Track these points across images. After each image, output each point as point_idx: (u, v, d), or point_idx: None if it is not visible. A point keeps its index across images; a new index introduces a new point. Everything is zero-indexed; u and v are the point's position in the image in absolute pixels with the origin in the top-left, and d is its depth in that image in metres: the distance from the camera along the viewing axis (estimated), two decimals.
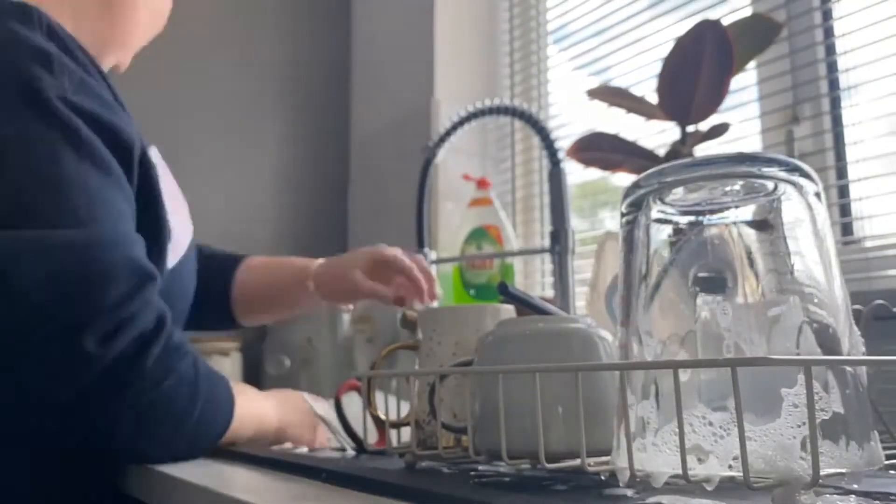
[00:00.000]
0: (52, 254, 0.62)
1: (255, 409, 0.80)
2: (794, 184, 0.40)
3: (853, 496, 0.38)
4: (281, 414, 0.84)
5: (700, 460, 0.36)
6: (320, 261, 1.05)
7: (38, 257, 0.61)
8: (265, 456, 0.68)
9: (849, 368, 0.37)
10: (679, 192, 0.41)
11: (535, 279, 1.53)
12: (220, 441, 0.74)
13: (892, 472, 0.43)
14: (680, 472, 0.35)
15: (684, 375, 0.37)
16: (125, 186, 0.72)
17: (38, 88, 0.67)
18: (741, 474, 0.33)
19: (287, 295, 1.06)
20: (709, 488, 0.36)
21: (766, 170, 0.40)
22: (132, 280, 0.65)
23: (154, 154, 0.81)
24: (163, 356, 0.65)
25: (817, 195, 0.41)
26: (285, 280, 1.06)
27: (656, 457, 0.37)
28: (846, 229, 1.03)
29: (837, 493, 0.39)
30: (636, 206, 0.43)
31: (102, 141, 0.69)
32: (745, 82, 1.13)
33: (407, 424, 0.61)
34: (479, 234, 1.36)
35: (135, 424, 0.65)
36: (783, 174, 0.40)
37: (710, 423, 0.36)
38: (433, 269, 1.22)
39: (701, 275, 0.40)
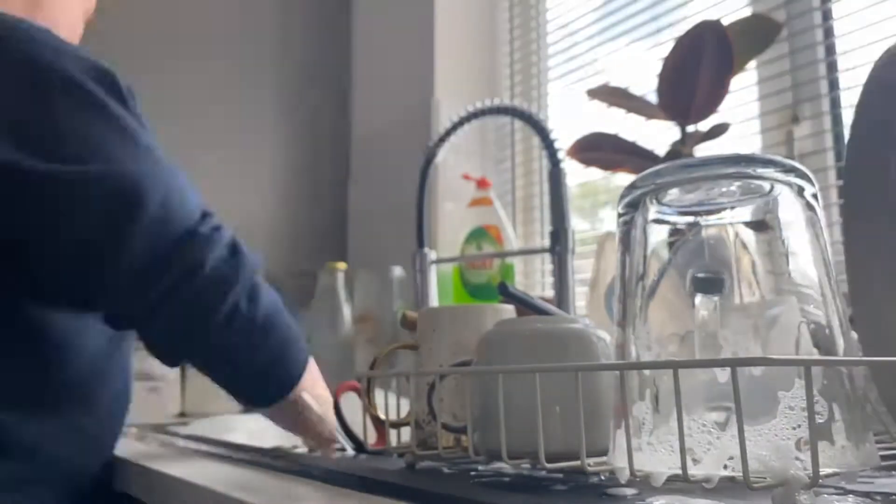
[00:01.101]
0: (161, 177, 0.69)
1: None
2: (790, 185, 0.40)
3: (852, 496, 0.38)
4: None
5: (695, 461, 0.36)
6: None
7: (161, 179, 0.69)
8: (265, 456, 0.68)
9: (843, 369, 0.37)
10: (676, 192, 0.41)
11: (535, 279, 1.53)
12: (298, 376, 0.74)
13: (893, 472, 0.43)
14: (679, 472, 0.35)
15: (683, 376, 0.37)
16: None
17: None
18: (741, 474, 0.33)
19: None
20: (708, 487, 0.36)
21: (763, 171, 0.40)
22: (202, 206, 0.73)
23: None
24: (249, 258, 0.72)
25: (814, 196, 0.41)
26: None
27: (652, 456, 0.37)
28: None
29: (836, 494, 0.39)
30: (633, 206, 0.43)
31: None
32: (745, 82, 1.13)
33: (407, 424, 0.61)
34: (479, 234, 1.36)
35: (246, 302, 0.70)
36: (780, 175, 0.40)
37: (705, 425, 0.36)
38: (433, 269, 1.22)
39: (698, 275, 0.40)
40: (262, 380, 0.73)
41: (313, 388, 0.78)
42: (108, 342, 0.79)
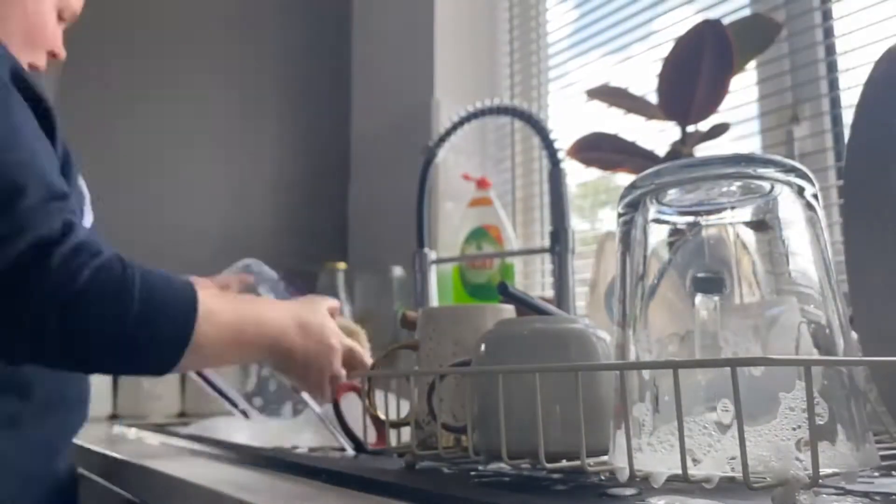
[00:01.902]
0: None
1: (249, 312, 0.72)
2: (790, 184, 0.40)
3: (851, 496, 0.38)
4: (295, 325, 0.75)
5: (695, 461, 0.36)
6: None
7: None
8: (265, 456, 0.68)
9: (843, 369, 0.37)
10: (676, 192, 0.41)
11: (535, 279, 1.53)
12: (186, 348, 0.66)
13: (893, 472, 0.43)
14: (680, 472, 0.35)
15: (683, 376, 0.37)
16: (47, 142, 0.72)
17: None
18: (740, 474, 0.33)
19: None
20: (708, 487, 0.36)
21: (763, 170, 0.40)
22: (40, 192, 0.65)
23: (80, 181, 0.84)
24: (71, 255, 0.63)
25: (815, 196, 0.41)
26: None
27: (652, 457, 0.37)
28: None
29: (836, 494, 0.39)
30: (633, 206, 0.43)
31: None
32: (745, 82, 1.13)
33: (407, 424, 0.61)
34: (479, 234, 1.36)
35: (60, 328, 0.62)
36: (780, 175, 0.40)
37: (706, 427, 0.36)
38: (433, 269, 1.22)
39: (699, 275, 0.40)
40: (147, 355, 0.67)
41: (301, 324, 0.73)
42: None
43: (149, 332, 0.65)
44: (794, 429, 0.34)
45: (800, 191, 0.40)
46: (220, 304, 0.70)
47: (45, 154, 0.70)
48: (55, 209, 0.65)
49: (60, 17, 0.94)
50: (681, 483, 0.36)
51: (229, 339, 0.70)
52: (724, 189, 0.41)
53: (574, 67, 1.51)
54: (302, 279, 1.82)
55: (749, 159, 0.40)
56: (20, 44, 0.87)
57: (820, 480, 0.33)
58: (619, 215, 0.44)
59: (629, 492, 0.41)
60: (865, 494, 0.39)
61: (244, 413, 0.86)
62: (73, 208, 0.68)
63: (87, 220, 0.84)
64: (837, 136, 1.06)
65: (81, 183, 0.83)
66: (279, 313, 0.75)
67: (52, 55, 0.93)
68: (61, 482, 0.82)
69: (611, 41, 1.40)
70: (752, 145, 1.14)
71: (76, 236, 0.64)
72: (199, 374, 0.74)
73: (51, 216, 0.64)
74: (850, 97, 1.05)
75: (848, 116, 1.05)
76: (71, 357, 0.66)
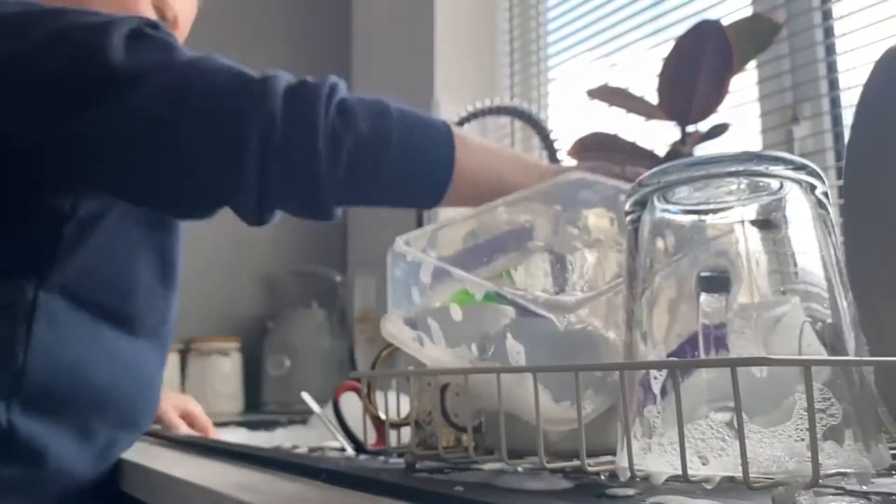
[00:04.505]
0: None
1: (490, 160, 0.72)
2: (800, 182, 0.40)
3: (851, 497, 0.38)
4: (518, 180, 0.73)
5: (703, 463, 0.36)
6: None
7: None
8: (265, 456, 0.68)
9: (854, 369, 0.37)
10: (683, 190, 0.41)
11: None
12: (450, 179, 0.69)
13: (893, 472, 0.43)
14: (680, 472, 0.35)
15: (695, 376, 0.37)
16: None
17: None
18: (741, 474, 0.33)
19: None
20: (708, 487, 0.36)
21: (773, 168, 0.39)
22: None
23: None
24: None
25: (825, 194, 0.40)
26: None
27: (660, 458, 0.37)
28: None
29: (837, 494, 0.39)
30: (640, 204, 0.42)
31: None
32: (745, 82, 1.13)
33: (407, 424, 0.61)
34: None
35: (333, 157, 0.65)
36: (790, 173, 0.39)
37: (720, 431, 0.36)
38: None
39: (704, 274, 0.40)
40: (417, 187, 0.69)
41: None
42: (122, 349, 0.78)
43: (419, 156, 0.68)
44: (807, 428, 0.34)
45: (810, 188, 0.40)
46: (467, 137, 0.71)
47: None
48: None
49: (162, 17, 0.90)
50: (681, 483, 0.36)
51: (483, 164, 0.71)
52: (732, 187, 0.40)
53: (574, 67, 1.51)
54: (302, 279, 1.82)
55: (759, 157, 0.40)
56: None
57: (825, 481, 0.32)
58: (627, 213, 0.44)
59: (629, 492, 0.41)
60: (865, 494, 0.39)
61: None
62: None
63: None
64: (837, 136, 1.06)
65: None
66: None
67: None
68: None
69: (611, 41, 1.40)
70: (752, 145, 1.14)
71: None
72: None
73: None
74: (850, 97, 1.05)
75: (848, 116, 1.05)
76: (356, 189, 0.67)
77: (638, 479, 0.38)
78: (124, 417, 0.78)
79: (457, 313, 0.52)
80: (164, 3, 0.90)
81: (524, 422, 0.47)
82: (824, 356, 0.38)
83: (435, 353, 0.54)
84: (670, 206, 0.42)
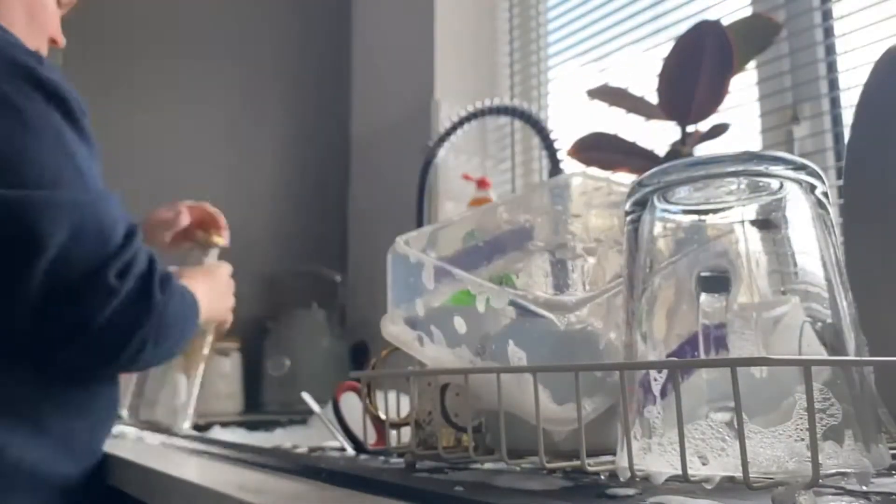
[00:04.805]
0: (76, 211, 0.74)
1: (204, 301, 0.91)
2: (800, 182, 0.40)
3: (851, 496, 0.38)
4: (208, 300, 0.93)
5: (703, 463, 0.36)
6: None
7: (68, 215, 0.73)
8: (265, 456, 0.68)
9: (855, 370, 0.37)
10: (683, 190, 0.41)
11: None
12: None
13: (893, 472, 0.43)
14: (680, 472, 0.35)
15: (695, 376, 0.37)
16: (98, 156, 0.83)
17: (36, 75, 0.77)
18: (741, 474, 0.33)
19: None
20: (708, 487, 0.36)
21: (773, 168, 0.39)
22: (126, 228, 0.77)
23: None
24: (163, 285, 0.79)
25: (825, 194, 0.40)
26: None
27: (661, 457, 0.37)
28: None
29: (837, 494, 0.39)
30: (640, 204, 0.42)
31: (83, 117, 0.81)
32: (745, 82, 1.13)
33: (407, 424, 0.61)
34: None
35: (154, 340, 0.78)
36: (790, 173, 0.39)
37: (719, 431, 0.36)
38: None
39: (704, 274, 0.40)
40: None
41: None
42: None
43: (192, 328, 0.87)
44: (808, 429, 0.34)
45: (810, 189, 0.40)
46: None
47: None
48: (139, 241, 0.79)
49: (58, 4, 0.94)
50: (681, 483, 0.36)
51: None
52: (732, 187, 0.40)
53: (574, 68, 1.50)
54: (302, 279, 1.82)
55: (759, 157, 0.40)
56: (23, 29, 0.87)
57: (825, 481, 0.32)
58: (627, 213, 0.44)
59: (629, 492, 0.41)
60: (865, 494, 0.39)
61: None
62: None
63: None
64: (837, 136, 1.06)
65: None
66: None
67: (52, 42, 0.93)
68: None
69: (611, 41, 1.40)
70: (752, 145, 1.14)
71: (159, 266, 0.80)
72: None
73: (140, 249, 0.79)
74: (850, 97, 1.05)
75: (848, 116, 1.05)
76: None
77: (638, 479, 0.38)
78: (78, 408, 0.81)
79: (461, 325, 0.52)
80: None
81: (524, 422, 0.47)
82: (824, 356, 0.38)
83: (435, 353, 0.54)
84: (670, 206, 0.42)
